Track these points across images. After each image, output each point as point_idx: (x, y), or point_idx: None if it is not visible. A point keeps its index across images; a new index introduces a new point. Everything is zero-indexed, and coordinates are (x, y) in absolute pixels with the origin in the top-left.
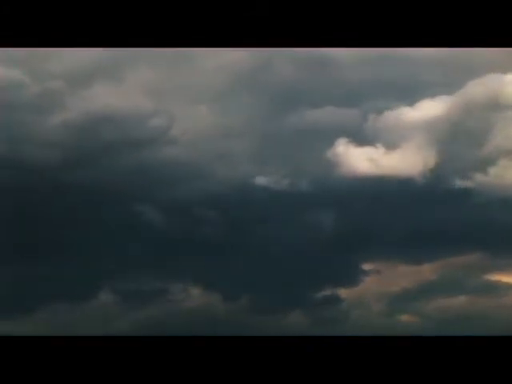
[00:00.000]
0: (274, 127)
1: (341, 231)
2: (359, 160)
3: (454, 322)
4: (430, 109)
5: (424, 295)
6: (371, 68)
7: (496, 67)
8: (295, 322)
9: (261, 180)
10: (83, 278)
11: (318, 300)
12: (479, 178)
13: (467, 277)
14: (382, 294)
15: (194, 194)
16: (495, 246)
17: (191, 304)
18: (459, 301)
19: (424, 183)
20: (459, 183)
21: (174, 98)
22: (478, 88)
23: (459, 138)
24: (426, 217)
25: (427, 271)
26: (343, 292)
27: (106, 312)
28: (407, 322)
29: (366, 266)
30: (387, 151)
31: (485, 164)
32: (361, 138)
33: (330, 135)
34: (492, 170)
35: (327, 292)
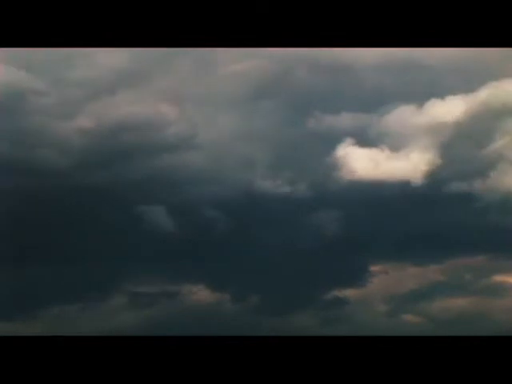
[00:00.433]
0: (292, 133)
1: (348, 233)
2: (367, 163)
3: (460, 323)
4: (439, 112)
5: (430, 296)
6: (389, 73)
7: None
8: (303, 323)
9: (270, 184)
10: (97, 280)
11: (325, 301)
12: (483, 181)
13: (473, 278)
14: (389, 295)
15: (205, 198)
16: (500, 248)
17: (200, 304)
18: (465, 302)
19: (429, 186)
20: (464, 186)
21: (196, 105)
22: (492, 91)
23: (465, 142)
24: (430, 219)
25: (434, 273)
26: (350, 293)
27: (118, 313)
28: (413, 322)
29: (374, 268)
30: (395, 155)
31: (486, 168)
32: (371, 143)
33: (342, 140)
34: (493, 174)
35: (334, 293)
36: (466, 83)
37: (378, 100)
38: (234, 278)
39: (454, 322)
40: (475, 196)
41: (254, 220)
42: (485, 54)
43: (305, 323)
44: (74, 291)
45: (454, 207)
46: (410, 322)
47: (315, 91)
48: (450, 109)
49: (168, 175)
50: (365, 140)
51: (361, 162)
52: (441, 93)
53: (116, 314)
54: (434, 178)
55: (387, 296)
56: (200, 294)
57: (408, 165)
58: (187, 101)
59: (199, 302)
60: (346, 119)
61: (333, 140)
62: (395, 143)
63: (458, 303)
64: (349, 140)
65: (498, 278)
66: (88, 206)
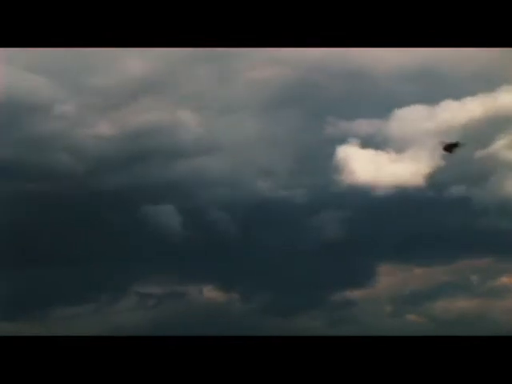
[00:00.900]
0: (308, 139)
1: (355, 235)
2: (374, 166)
3: (464, 324)
4: (449, 116)
5: (436, 297)
6: (403, 76)
7: None
8: (310, 323)
9: (277, 187)
10: (108, 282)
11: (332, 302)
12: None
13: (478, 279)
14: (395, 296)
15: (216, 201)
16: (505, 250)
17: (209, 304)
18: (471, 303)
19: (435, 188)
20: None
21: (216, 111)
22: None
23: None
24: (435, 221)
25: (439, 274)
26: (357, 294)
27: (128, 313)
28: (418, 323)
29: (380, 269)
30: (403, 157)
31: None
32: (379, 146)
33: (352, 144)
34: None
35: (341, 294)
36: (482, 86)
37: (390, 104)
38: (243, 279)
39: (460, 322)
40: (477, 198)
41: (264, 223)
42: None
43: (312, 324)
44: (85, 292)
45: (458, 209)
46: (416, 323)
47: (332, 97)
48: (462, 112)
49: (182, 179)
50: (375, 144)
51: (367, 165)
52: (455, 95)
53: (126, 315)
54: (438, 181)
55: (393, 297)
56: (208, 294)
57: (413, 167)
58: (208, 107)
59: (208, 302)
60: (359, 125)
61: (343, 144)
62: (405, 147)
63: (464, 304)
64: (360, 144)
65: (505, 279)
66: (101, 208)
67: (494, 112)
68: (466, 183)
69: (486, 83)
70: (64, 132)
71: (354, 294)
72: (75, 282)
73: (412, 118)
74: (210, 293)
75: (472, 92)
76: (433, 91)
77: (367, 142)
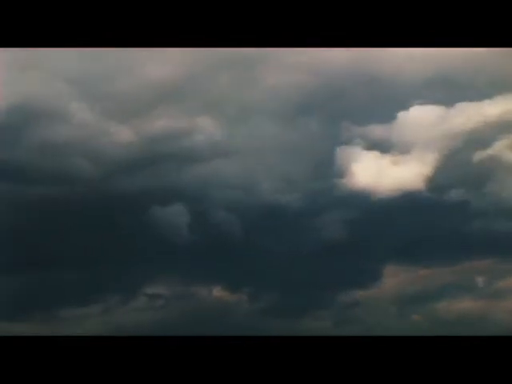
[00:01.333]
0: (324, 144)
1: (359, 237)
2: (379, 170)
3: (470, 324)
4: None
5: (440, 298)
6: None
7: None
8: (315, 324)
9: (286, 191)
10: (118, 282)
11: (337, 303)
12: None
13: (483, 280)
14: (400, 296)
15: (227, 204)
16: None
17: (217, 305)
18: (475, 304)
19: (437, 192)
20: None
21: (234, 115)
22: None
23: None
24: (438, 224)
25: (444, 275)
26: (361, 295)
27: (136, 314)
28: (423, 323)
29: (385, 270)
30: (409, 160)
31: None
32: (390, 150)
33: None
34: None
35: (347, 294)
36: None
37: (399, 107)
38: (251, 280)
39: (465, 323)
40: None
41: (272, 226)
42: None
43: (318, 324)
44: (94, 293)
45: (461, 211)
46: (421, 323)
47: (351, 103)
48: (471, 116)
49: (195, 182)
50: (385, 147)
51: (374, 168)
52: (472, 98)
53: (135, 315)
54: (441, 183)
55: (398, 298)
56: (217, 294)
57: (417, 170)
58: (226, 112)
59: (216, 302)
60: (372, 130)
61: (353, 148)
62: (412, 149)
63: (469, 305)
64: (368, 148)
65: (507, 281)
66: (115, 212)
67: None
68: (467, 186)
69: (504, 86)
70: (81, 138)
71: (360, 294)
72: (86, 283)
73: (421, 121)
74: (219, 293)
75: (489, 95)
76: (448, 94)
77: (378, 146)
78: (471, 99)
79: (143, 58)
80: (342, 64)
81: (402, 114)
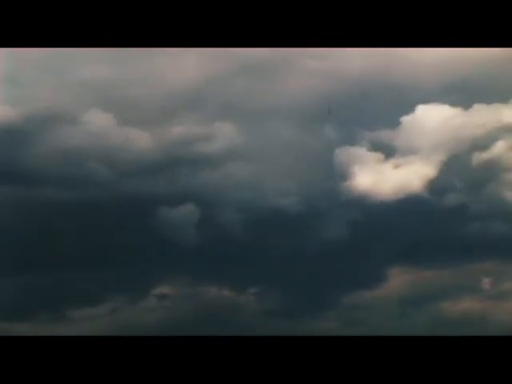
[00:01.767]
0: (336, 149)
1: (363, 239)
2: (384, 173)
3: (474, 324)
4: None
5: (445, 299)
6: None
7: None
8: (323, 324)
9: (294, 194)
10: (128, 283)
11: (342, 304)
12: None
13: (487, 282)
14: (404, 298)
15: (236, 206)
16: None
17: (224, 305)
18: (479, 305)
19: (440, 194)
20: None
21: (251, 121)
22: None
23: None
24: (442, 226)
25: (448, 276)
26: (366, 296)
27: (145, 314)
28: (427, 324)
29: (390, 272)
30: (414, 162)
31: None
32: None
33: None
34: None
35: (352, 295)
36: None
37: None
38: (258, 281)
39: (469, 324)
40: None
41: (279, 228)
42: None
43: (325, 325)
44: (103, 294)
45: (464, 213)
46: (425, 324)
47: (368, 110)
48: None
49: (207, 185)
50: (391, 153)
51: (379, 172)
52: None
53: (143, 316)
54: (444, 185)
55: (402, 299)
56: (224, 295)
57: (420, 172)
58: (244, 118)
59: (223, 302)
60: (384, 134)
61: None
62: (418, 152)
63: (473, 306)
64: (377, 152)
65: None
66: (128, 215)
67: None
68: (469, 188)
69: None
70: (99, 143)
71: (364, 296)
72: (95, 284)
73: (429, 124)
74: (226, 294)
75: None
76: (464, 97)
77: (385, 150)
78: (488, 102)
79: (162, 64)
80: (361, 69)
81: (408, 117)
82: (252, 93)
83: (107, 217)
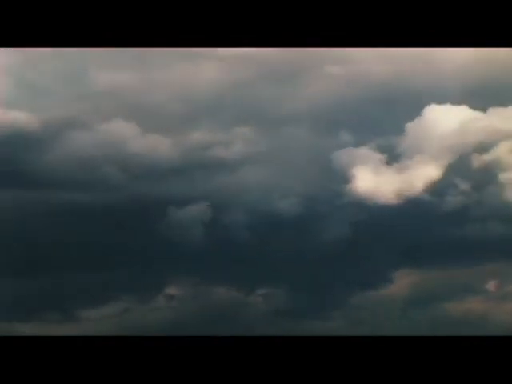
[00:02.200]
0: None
1: (367, 240)
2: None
3: (479, 325)
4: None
5: (450, 299)
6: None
7: None
8: (328, 324)
9: (301, 197)
10: (136, 283)
11: (348, 304)
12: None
13: (493, 283)
14: (409, 298)
15: (246, 209)
16: None
17: (230, 305)
18: (484, 305)
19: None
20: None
21: (271, 126)
22: None
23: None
24: (445, 227)
25: (453, 277)
26: (370, 296)
27: (153, 314)
28: (430, 324)
29: (395, 272)
30: (418, 165)
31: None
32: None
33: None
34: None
35: (359, 296)
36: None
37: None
38: (265, 282)
39: (474, 324)
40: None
41: (284, 229)
42: None
43: (330, 325)
44: (113, 294)
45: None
46: (429, 325)
47: (383, 117)
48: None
49: (218, 189)
50: (395, 157)
51: (381, 174)
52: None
53: (152, 316)
54: (446, 187)
55: (407, 299)
56: (230, 295)
57: (422, 174)
58: (264, 124)
59: (229, 303)
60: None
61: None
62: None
63: (479, 307)
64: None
65: None
66: (142, 218)
67: None
68: (472, 189)
69: None
70: (116, 148)
71: (370, 297)
72: (105, 284)
73: (437, 126)
74: (232, 294)
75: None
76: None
77: (390, 153)
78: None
79: (181, 68)
80: (383, 76)
81: (415, 120)
82: (273, 99)
83: (121, 219)
